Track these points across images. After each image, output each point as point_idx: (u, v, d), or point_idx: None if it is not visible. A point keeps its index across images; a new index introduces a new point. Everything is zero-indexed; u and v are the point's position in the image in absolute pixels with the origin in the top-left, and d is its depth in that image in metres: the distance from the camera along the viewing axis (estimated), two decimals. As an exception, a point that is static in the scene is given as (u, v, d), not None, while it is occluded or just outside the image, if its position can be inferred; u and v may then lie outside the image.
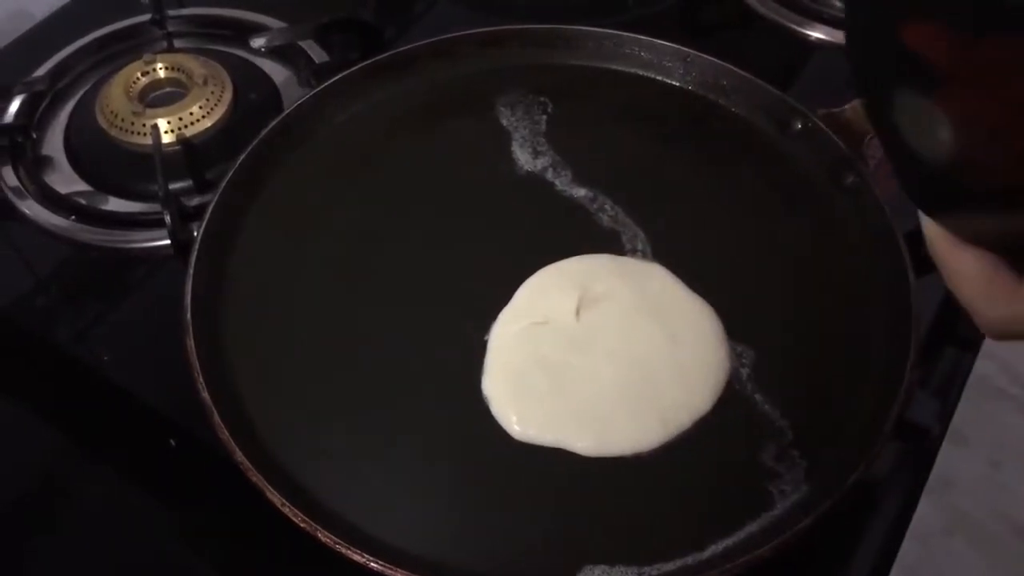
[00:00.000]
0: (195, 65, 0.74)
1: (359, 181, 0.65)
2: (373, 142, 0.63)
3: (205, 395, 0.51)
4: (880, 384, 0.53)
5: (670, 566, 0.47)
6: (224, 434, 0.49)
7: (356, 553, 0.46)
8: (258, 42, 0.79)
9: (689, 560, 0.48)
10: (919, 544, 0.56)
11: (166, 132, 0.70)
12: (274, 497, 0.47)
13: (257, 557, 0.56)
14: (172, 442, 0.60)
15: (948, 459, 0.55)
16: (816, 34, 0.82)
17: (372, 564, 0.45)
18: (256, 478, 0.48)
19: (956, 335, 0.65)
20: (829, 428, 0.52)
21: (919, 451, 0.60)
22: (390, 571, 0.45)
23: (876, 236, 0.59)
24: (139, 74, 0.74)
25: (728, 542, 0.48)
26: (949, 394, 0.63)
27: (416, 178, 0.65)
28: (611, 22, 0.72)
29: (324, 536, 0.46)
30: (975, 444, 0.51)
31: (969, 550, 0.57)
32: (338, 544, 0.46)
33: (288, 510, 0.47)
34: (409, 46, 0.71)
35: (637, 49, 0.71)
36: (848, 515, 0.55)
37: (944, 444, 0.58)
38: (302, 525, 0.46)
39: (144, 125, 0.70)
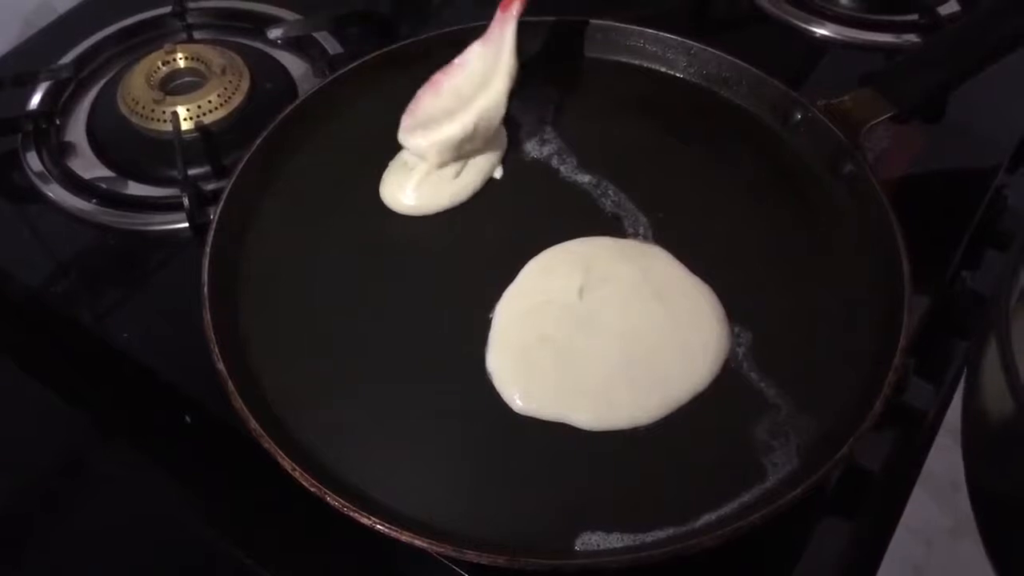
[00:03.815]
0: (214, 55, 0.76)
1: (370, 166, 0.66)
2: (384, 129, 0.65)
3: (221, 366, 0.53)
4: (872, 365, 0.54)
5: (664, 533, 0.49)
6: (238, 402, 0.51)
7: (363, 516, 0.47)
8: (275, 33, 0.80)
9: (683, 528, 0.49)
10: (926, 546, 0.56)
11: (185, 119, 0.72)
12: (285, 463, 0.49)
13: (265, 524, 0.58)
14: (187, 418, 0.62)
15: (955, 461, 0.55)
16: (822, 31, 0.83)
17: (378, 527, 0.47)
18: (269, 444, 0.50)
19: (950, 321, 0.66)
20: (821, 405, 0.54)
21: (914, 438, 0.61)
22: (395, 533, 0.47)
23: (872, 223, 0.60)
24: (160, 63, 0.76)
25: (721, 512, 0.50)
26: (944, 380, 0.65)
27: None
28: (620, 17, 0.74)
29: (332, 499, 0.48)
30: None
31: (976, 552, 0.57)
32: (345, 507, 0.47)
33: (299, 475, 0.48)
34: (421, 36, 0.73)
35: (643, 42, 0.73)
36: (842, 504, 0.56)
37: (951, 446, 0.58)
38: (311, 489, 0.48)
39: (164, 112, 0.72)
